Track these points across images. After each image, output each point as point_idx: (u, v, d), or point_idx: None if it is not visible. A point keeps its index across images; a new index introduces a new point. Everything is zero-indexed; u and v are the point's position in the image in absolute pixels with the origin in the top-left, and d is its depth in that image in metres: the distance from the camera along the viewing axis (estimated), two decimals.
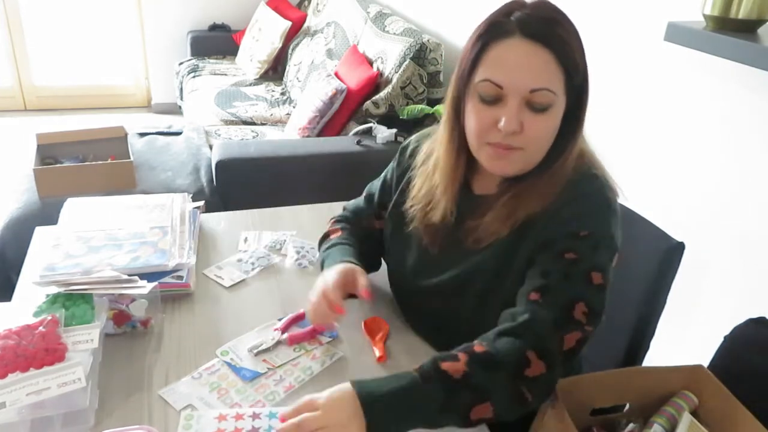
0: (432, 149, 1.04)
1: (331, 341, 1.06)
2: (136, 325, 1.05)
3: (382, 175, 1.19)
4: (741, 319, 1.01)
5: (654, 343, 1.17)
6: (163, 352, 1.02)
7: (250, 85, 3.46)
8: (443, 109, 0.98)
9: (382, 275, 1.18)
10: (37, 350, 0.87)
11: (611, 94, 1.70)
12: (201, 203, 1.39)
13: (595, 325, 0.86)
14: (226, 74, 3.63)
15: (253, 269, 1.25)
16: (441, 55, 2.44)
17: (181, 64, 3.87)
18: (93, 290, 1.01)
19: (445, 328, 1.02)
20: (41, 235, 1.34)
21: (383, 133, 2.33)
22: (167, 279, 1.13)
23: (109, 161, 2.26)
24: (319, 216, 1.45)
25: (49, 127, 2.60)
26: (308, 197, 1.60)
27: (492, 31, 0.87)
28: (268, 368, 0.99)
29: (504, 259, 0.94)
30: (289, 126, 2.74)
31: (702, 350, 1.07)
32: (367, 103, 2.45)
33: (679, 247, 1.09)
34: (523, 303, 0.87)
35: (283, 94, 3.34)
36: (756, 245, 1.33)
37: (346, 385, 0.80)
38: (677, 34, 1.27)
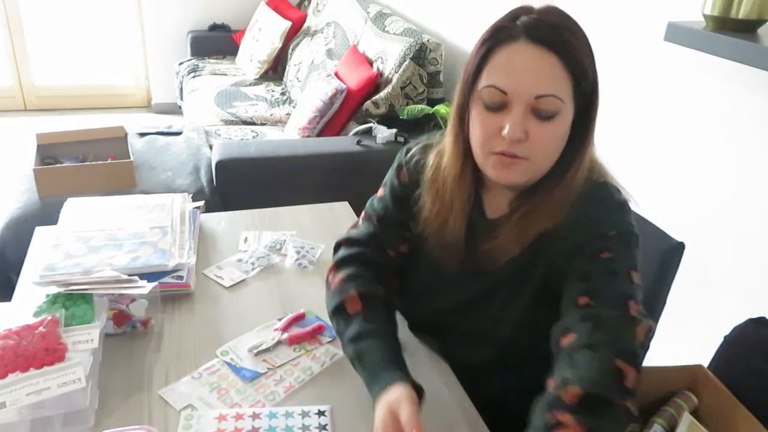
0: (438, 163, 0.98)
1: (331, 341, 1.06)
2: (136, 325, 1.05)
3: (386, 192, 1.06)
4: (741, 319, 1.01)
5: (654, 343, 1.16)
6: (163, 352, 1.02)
7: (250, 85, 3.46)
8: (449, 117, 0.95)
9: None
10: (37, 350, 0.87)
11: (611, 94, 1.69)
12: (201, 203, 1.39)
13: (650, 320, 0.82)
14: (226, 74, 3.63)
15: (253, 269, 1.25)
16: (441, 55, 2.44)
17: (181, 64, 3.87)
18: (93, 290, 1.01)
19: (462, 344, 1.01)
20: (41, 235, 1.34)
21: (383, 133, 2.33)
22: (167, 279, 1.13)
23: (109, 161, 2.26)
24: (319, 216, 1.46)
25: (49, 127, 2.60)
26: (308, 197, 1.60)
27: (497, 36, 0.84)
28: (268, 368, 0.99)
29: (519, 276, 0.93)
30: (289, 126, 2.74)
31: (702, 350, 1.07)
32: (367, 103, 2.45)
33: (679, 247, 1.09)
34: (573, 311, 0.82)
35: (283, 94, 3.34)
36: (756, 245, 1.33)
37: None
38: (677, 34, 1.27)
